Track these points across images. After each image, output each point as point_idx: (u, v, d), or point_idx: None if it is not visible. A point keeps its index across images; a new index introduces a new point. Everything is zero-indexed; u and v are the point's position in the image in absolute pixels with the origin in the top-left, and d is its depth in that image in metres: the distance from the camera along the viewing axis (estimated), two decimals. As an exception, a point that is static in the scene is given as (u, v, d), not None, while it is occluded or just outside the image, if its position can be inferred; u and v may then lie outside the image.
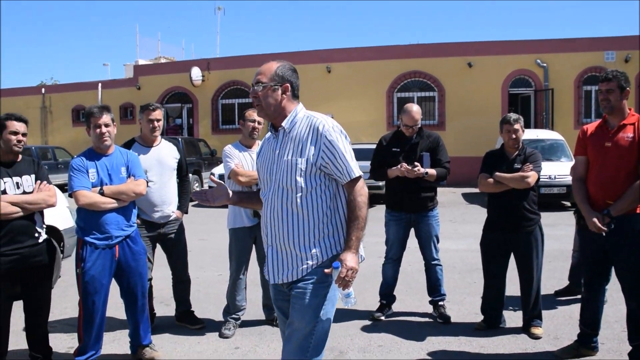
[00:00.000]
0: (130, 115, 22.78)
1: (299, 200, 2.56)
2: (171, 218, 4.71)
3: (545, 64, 18.32)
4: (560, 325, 4.79)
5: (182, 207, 4.86)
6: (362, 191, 2.58)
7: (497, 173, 4.53)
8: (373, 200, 14.37)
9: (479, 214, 11.80)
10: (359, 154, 16.39)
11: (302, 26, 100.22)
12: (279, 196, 2.60)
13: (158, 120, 4.60)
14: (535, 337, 4.50)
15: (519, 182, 4.45)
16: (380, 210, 12.85)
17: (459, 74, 18.79)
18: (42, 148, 19.31)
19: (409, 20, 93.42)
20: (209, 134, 21.20)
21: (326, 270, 2.52)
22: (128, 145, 4.56)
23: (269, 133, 2.73)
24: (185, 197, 4.90)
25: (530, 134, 13.26)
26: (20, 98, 24.80)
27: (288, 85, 2.63)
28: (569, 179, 11.76)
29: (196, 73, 21.28)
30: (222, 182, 2.82)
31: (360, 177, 2.59)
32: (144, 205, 4.48)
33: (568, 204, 12.66)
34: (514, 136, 4.57)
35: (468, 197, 14.83)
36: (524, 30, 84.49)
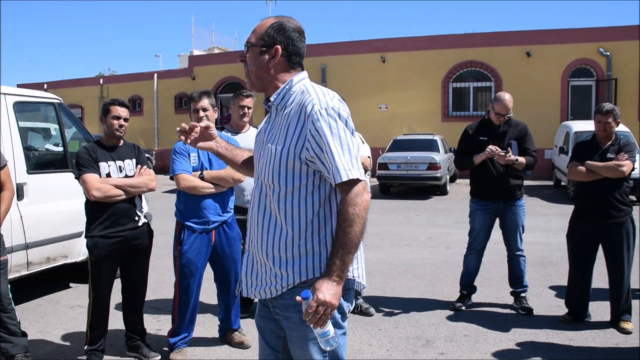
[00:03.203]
0: (185, 105, 23.20)
1: (276, 201, 1.96)
2: None
3: (608, 53, 17.70)
4: (651, 321, 4.65)
5: None
6: (356, 200, 1.86)
7: (590, 162, 4.42)
8: (429, 192, 14.27)
9: (538, 207, 11.56)
10: (414, 145, 16.15)
11: (355, 15, 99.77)
12: (258, 192, 2.06)
13: (249, 108, 4.64)
14: (626, 332, 4.37)
15: (613, 171, 4.33)
16: (439, 201, 12.85)
17: (516, 63, 18.36)
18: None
19: (465, 9, 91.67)
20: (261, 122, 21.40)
21: (297, 298, 1.88)
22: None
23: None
24: None
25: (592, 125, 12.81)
26: (80, 89, 25.62)
27: (279, 47, 1.99)
28: (635, 173, 11.43)
29: (249, 63, 21.34)
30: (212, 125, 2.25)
31: (355, 180, 1.87)
32: (235, 190, 4.54)
33: (634, 198, 12.26)
34: (603, 127, 4.46)
35: (526, 189, 14.49)
36: (586, 18, 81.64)
